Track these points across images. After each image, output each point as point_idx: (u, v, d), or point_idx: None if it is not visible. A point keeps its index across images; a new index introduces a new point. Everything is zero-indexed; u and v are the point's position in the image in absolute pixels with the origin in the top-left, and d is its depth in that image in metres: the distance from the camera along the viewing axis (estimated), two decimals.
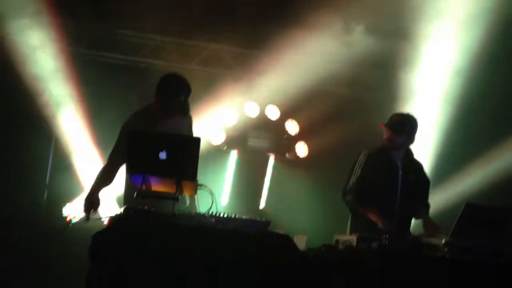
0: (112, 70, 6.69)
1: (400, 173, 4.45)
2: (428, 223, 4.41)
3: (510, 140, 6.57)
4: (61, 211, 6.51)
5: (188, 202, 4.19)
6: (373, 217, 4.32)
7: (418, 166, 4.61)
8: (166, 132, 4.14)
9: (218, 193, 6.84)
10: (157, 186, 3.78)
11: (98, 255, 3.42)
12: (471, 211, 3.75)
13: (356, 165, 4.47)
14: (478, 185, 6.53)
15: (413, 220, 4.60)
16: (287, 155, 7.14)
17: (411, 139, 4.51)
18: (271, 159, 7.22)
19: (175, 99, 4.27)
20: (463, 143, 6.68)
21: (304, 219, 6.81)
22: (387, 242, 3.66)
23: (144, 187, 3.72)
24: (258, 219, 3.81)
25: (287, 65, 6.69)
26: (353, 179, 4.44)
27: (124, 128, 4.21)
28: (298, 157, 7.13)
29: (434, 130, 6.78)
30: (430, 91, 6.84)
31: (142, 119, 4.34)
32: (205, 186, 3.92)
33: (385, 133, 4.49)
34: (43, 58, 6.35)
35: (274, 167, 7.21)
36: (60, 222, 6.43)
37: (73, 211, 6.51)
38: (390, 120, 4.49)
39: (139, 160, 3.70)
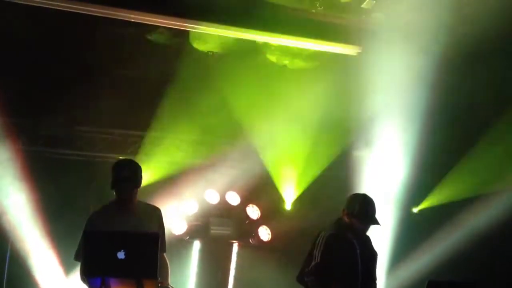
0: (65, 167, 6.63)
1: (358, 251, 4.50)
2: None
3: (464, 217, 6.82)
4: None
5: None
6: None
7: (368, 240, 4.69)
8: (123, 230, 4.06)
9: (183, 285, 6.68)
10: (118, 287, 3.67)
11: None
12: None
13: (315, 249, 4.48)
14: (438, 260, 6.69)
15: None
16: (250, 240, 7.08)
17: None
18: (235, 246, 7.14)
19: (131, 187, 4.22)
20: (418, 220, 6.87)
21: None
22: None
23: None
24: None
25: (242, 152, 6.79)
26: (313, 262, 4.44)
27: (86, 231, 4.12)
28: (262, 241, 7.08)
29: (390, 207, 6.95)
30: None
31: (104, 217, 4.24)
32: (167, 284, 3.84)
33: (356, 222, 4.53)
34: None
35: (239, 254, 7.13)
36: None
37: None
38: (370, 216, 4.54)
39: (97, 261, 3.60)
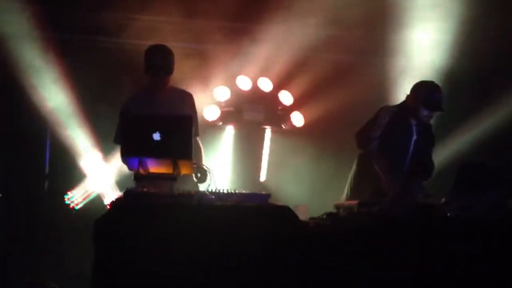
0: (99, 54, 6.63)
1: (414, 138, 4.50)
2: None
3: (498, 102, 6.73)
4: (63, 200, 6.51)
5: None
6: (382, 170, 4.38)
7: (429, 128, 4.67)
8: (159, 112, 4.14)
9: (217, 169, 6.84)
10: (154, 167, 3.78)
11: (101, 240, 3.44)
12: (466, 170, 3.80)
13: (381, 119, 4.48)
14: (468, 144, 6.67)
15: None
16: (283, 126, 7.12)
17: None
18: (268, 131, 7.20)
19: (163, 74, 4.28)
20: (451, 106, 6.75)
21: (306, 188, 6.84)
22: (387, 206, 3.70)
23: (141, 169, 3.73)
24: (258, 192, 3.82)
25: (275, 36, 6.63)
26: (378, 129, 4.45)
27: (122, 115, 4.21)
28: (294, 127, 7.11)
29: None
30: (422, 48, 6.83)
31: (138, 102, 4.36)
32: (202, 165, 3.93)
33: (421, 108, 4.47)
34: (28, 48, 6.29)
35: (272, 139, 7.20)
36: (63, 211, 6.47)
37: (76, 198, 6.52)
38: (436, 102, 4.46)
39: (134, 143, 3.70)
